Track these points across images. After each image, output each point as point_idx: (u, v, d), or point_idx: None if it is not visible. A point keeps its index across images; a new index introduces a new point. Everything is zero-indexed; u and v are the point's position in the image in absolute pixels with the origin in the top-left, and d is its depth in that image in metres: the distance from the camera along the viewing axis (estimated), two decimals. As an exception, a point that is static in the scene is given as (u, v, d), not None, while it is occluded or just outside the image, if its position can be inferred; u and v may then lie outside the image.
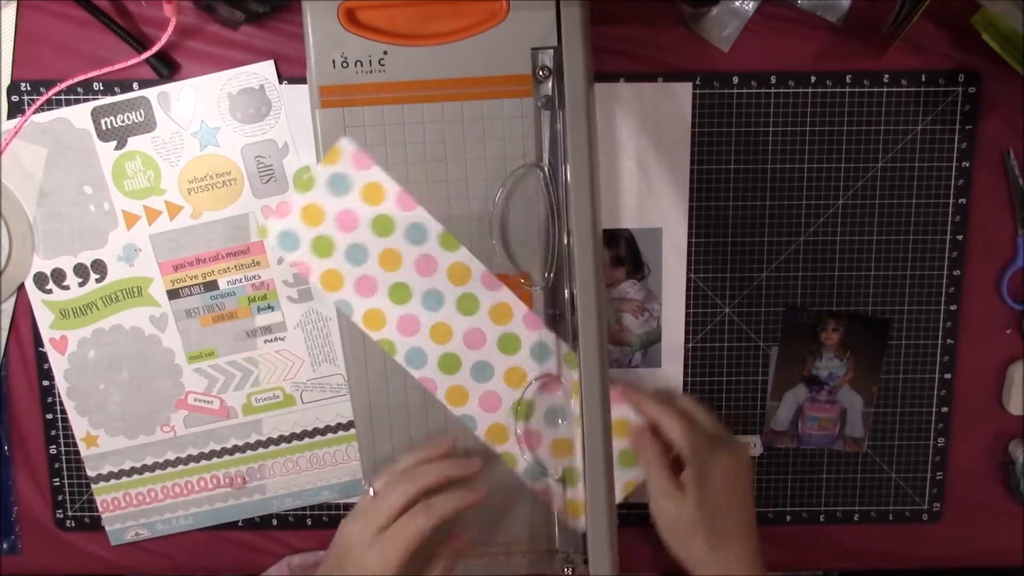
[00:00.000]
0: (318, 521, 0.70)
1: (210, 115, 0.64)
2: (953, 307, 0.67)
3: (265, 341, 0.67)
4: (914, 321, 0.67)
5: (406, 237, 0.61)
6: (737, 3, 0.63)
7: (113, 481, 0.68)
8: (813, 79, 0.64)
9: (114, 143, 0.64)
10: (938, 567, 0.71)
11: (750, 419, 0.69)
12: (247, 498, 0.69)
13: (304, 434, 0.68)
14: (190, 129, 0.64)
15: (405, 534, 0.57)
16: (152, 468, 0.68)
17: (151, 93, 0.63)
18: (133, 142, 0.64)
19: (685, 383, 0.68)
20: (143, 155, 0.64)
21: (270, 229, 0.63)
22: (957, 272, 0.67)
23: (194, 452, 0.68)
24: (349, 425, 0.68)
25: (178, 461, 0.68)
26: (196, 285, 0.65)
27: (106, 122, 0.64)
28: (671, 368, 0.67)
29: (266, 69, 0.63)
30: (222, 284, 0.66)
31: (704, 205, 0.66)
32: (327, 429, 0.68)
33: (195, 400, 0.67)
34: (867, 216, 0.66)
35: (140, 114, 0.64)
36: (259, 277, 0.66)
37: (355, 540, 0.58)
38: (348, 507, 0.70)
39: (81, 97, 0.64)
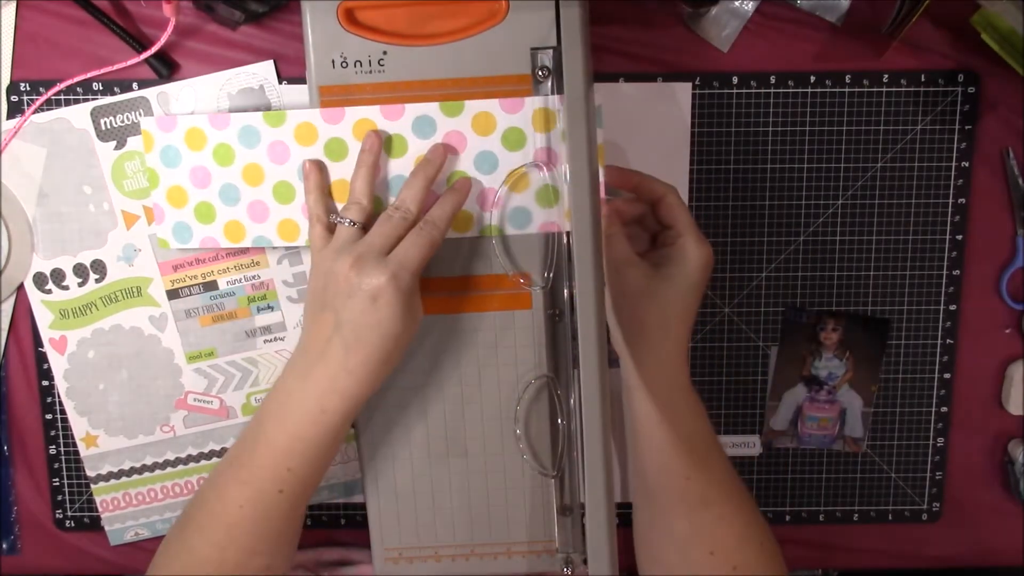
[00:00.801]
0: (318, 520, 0.70)
1: (210, 115, 0.64)
2: (953, 307, 0.67)
3: (265, 341, 0.66)
4: (913, 321, 0.67)
5: (244, 145, 0.59)
6: (736, 3, 0.63)
7: (113, 481, 0.68)
8: (813, 79, 0.64)
9: (113, 143, 0.64)
10: (938, 567, 0.71)
11: (749, 419, 0.69)
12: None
13: (304, 434, 0.68)
14: None
15: (418, 246, 0.53)
16: (152, 468, 0.68)
17: (150, 93, 0.63)
18: (133, 142, 0.64)
19: (685, 383, 0.68)
20: (142, 155, 0.64)
21: (163, 239, 0.62)
22: (957, 272, 0.67)
23: (194, 452, 0.68)
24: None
25: (178, 461, 0.68)
26: (196, 285, 0.65)
27: (105, 122, 0.64)
28: (671, 368, 0.67)
29: (265, 69, 0.63)
30: (222, 284, 0.66)
31: (704, 205, 0.66)
32: (327, 429, 0.68)
33: (195, 400, 0.67)
34: (867, 216, 0.66)
35: (140, 114, 0.64)
36: (259, 277, 0.66)
37: (353, 274, 0.52)
38: (349, 507, 0.70)
39: (81, 97, 0.64)
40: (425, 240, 0.53)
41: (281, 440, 0.54)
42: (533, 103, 0.57)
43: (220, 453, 0.68)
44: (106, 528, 0.69)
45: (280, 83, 0.63)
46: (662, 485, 0.58)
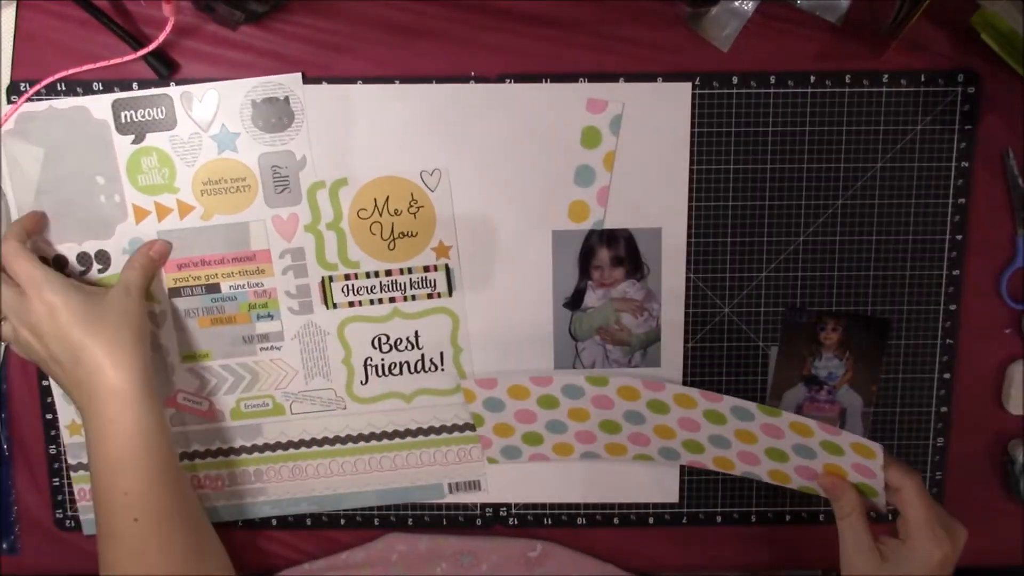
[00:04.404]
0: (318, 521, 0.70)
1: (231, 120, 0.63)
2: (952, 307, 0.67)
3: (261, 349, 0.66)
4: (913, 321, 0.67)
5: (568, 397, 0.64)
6: (736, 3, 0.63)
7: (83, 472, 0.68)
8: (813, 79, 0.64)
9: (132, 137, 0.63)
10: (938, 567, 0.71)
11: (750, 419, 0.69)
12: (225, 501, 0.69)
13: (290, 444, 0.68)
14: (210, 132, 0.63)
15: None
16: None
17: (175, 92, 0.63)
18: (151, 138, 0.63)
19: (685, 383, 0.68)
20: (160, 152, 0.63)
21: (493, 456, 0.68)
22: (956, 272, 0.67)
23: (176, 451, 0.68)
24: (336, 440, 0.68)
25: None
26: (198, 286, 0.65)
27: (126, 115, 0.63)
28: (671, 368, 0.67)
29: (293, 81, 0.63)
30: (224, 288, 0.65)
31: (703, 205, 0.66)
32: (312, 442, 0.68)
33: (184, 399, 0.67)
34: (867, 216, 0.66)
35: (161, 111, 0.63)
36: (262, 285, 0.65)
37: None
38: (350, 514, 0.70)
39: (102, 89, 0.63)
40: None
41: (101, 468, 0.57)
42: (849, 437, 0.57)
43: (203, 455, 0.68)
44: (81, 517, 0.69)
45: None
46: None
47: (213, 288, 0.65)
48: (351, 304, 0.66)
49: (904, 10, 0.60)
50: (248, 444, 0.68)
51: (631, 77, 0.64)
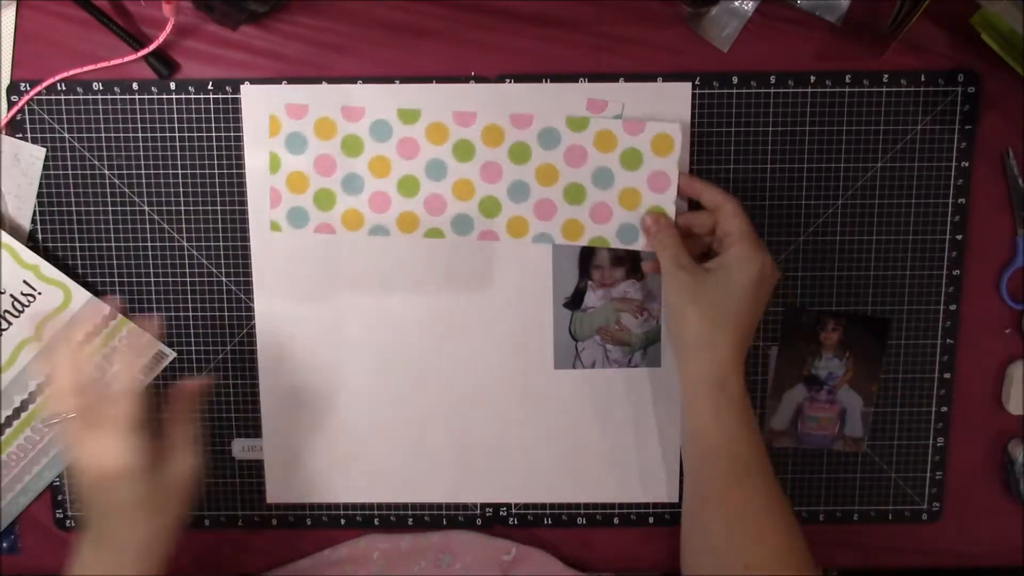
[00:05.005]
0: (318, 521, 0.70)
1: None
2: (952, 307, 0.67)
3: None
4: (913, 321, 0.67)
5: (374, 138, 0.62)
6: (736, 3, 0.63)
7: None
8: (813, 79, 0.64)
9: None
10: (938, 567, 0.71)
11: (750, 419, 0.69)
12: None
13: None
14: None
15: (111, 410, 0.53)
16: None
17: None
18: None
19: (685, 383, 0.68)
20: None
21: (276, 222, 0.64)
22: (956, 272, 0.67)
23: None
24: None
25: None
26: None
27: None
28: (671, 368, 0.67)
29: None
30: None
31: (704, 205, 0.66)
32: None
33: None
34: (867, 216, 0.66)
35: None
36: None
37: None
38: (349, 507, 0.70)
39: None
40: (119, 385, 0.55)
41: None
42: (653, 128, 0.59)
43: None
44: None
45: (281, 83, 0.63)
46: (701, 495, 0.58)
47: None
48: None
49: (904, 10, 0.60)
50: None
51: (631, 77, 0.64)
